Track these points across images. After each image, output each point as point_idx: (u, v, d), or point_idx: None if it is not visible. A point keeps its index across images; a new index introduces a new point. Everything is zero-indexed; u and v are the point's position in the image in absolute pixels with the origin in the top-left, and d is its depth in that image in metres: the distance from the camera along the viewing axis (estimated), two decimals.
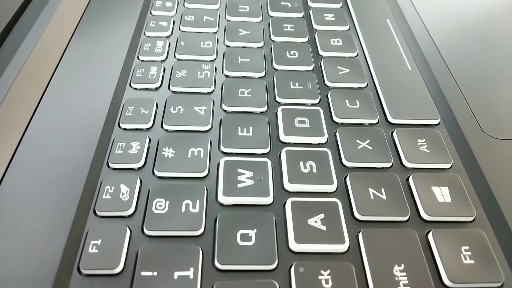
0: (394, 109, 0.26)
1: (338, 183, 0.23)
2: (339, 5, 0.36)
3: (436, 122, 0.26)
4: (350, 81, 0.28)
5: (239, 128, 0.25)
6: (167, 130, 0.25)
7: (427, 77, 0.29)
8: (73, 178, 0.22)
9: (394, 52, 0.31)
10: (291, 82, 0.28)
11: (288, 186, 0.22)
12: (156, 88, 0.28)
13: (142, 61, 0.30)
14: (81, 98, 0.26)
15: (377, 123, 0.26)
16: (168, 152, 0.24)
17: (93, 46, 0.30)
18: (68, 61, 0.29)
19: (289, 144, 0.25)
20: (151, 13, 0.35)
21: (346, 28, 0.33)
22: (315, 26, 0.33)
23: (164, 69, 0.29)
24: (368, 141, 0.25)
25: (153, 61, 0.30)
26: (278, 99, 0.27)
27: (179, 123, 0.25)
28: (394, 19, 0.34)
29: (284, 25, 0.33)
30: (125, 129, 0.25)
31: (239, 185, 0.22)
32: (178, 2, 0.35)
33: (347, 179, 0.23)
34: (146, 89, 0.28)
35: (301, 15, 0.34)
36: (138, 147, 0.24)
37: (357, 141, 0.25)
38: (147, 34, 0.32)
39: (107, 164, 0.23)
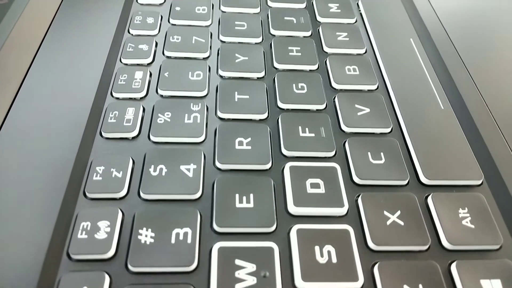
0: (427, 166, 0.21)
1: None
2: (353, 20, 0.30)
3: (478, 182, 0.21)
4: (371, 125, 0.23)
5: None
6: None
7: (464, 120, 0.24)
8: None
9: (422, 84, 0.25)
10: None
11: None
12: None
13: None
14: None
15: (407, 184, 0.21)
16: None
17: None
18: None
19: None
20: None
21: (362, 51, 0.28)
22: (326, 48, 0.28)
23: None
24: (399, 213, 0.20)
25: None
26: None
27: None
28: (418, 39, 0.29)
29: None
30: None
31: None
32: None
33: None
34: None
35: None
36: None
37: (386, 213, 0.20)
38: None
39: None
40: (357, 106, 0.24)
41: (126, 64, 0.25)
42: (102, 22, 0.27)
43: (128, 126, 0.22)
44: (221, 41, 0.28)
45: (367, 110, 0.24)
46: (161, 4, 0.30)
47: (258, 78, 0.25)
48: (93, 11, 0.28)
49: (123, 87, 0.24)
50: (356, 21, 0.30)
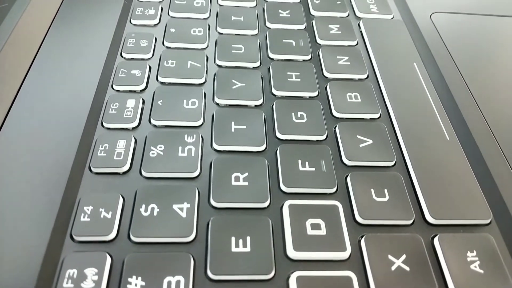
0: (433, 204, 0.20)
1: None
2: (354, 42, 0.29)
3: (487, 221, 0.20)
4: (374, 158, 0.22)
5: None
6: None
7: (471, 152, 0.23)
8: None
9: (427, 113, 0.24)
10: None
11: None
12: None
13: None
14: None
15: (412, 223, 0.20)
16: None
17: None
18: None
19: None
20: None
21: (364, 76, 0.27)
22: (326, 73, 0.27)
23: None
24: (404, 257, 0.19)
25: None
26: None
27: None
28: (422, 64, 0.28)
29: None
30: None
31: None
32: None
33: None
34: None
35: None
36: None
37: (390, 258, 0.18)
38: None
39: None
40: (359, 137, 0.23)
41: (118, 91, 0.24)
42: (93, 45, 0.26)
43: (118, 160, 0.21)
44: (217, 65, 0.27)
45: (370, 141, 0.23)
46: (155, 25, 0.29)
47: (256, 106, 0.24)
48: (85, 31, 0.27)
49: (114, 117, 0.23)
50: (357, 43, 0.29)
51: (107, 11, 0.29)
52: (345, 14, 0.31)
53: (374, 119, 0.24)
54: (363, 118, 0.24)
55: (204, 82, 0.25)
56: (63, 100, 0.23)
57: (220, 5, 0.31)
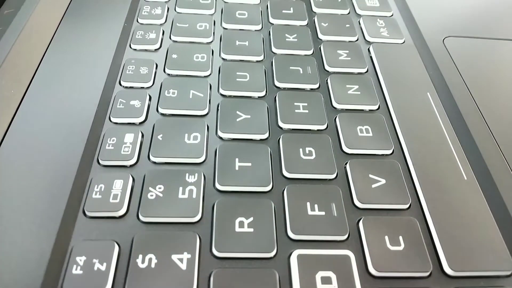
0: (452, 254, 0.19)
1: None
2: (364, 69, 0.28)
3: (508, 273, 0.19)
4: (388, 201, 0.21)
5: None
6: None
7: (490, 194, 0.21)
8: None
9: (442, 149, 0.23)
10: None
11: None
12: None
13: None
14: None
15: (429, 275, 0.19)
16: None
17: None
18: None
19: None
20: None
21: (375, 107, 0.25)
22: (335, 104, 0.25)
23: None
24: None
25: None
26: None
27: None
28: (436, 94, 0.26)
29: None
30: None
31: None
32: None
33: None
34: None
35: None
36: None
37: None
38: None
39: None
40: (371, 176, 0.22)
41: (116, 123, 0.23)
42: (90, 73, 0.25)
43: (115, 203, 0.19)
44: (221, 95, 0.25)
45: (383, 181, 0.21)
46: (156, 50, 0.28)
47: (261, 139, 0.23)
48: (81, 57, 0.26)
49: (111, 154, 0.21)
50: (367, 70, 0.28)
51: (106, 35, 0.28)
52: (354, 38, 0.30)
53: (387, 155, 0.23)
54: (375, 154, 0.23)
55: (207, 114, 0.24)
56: (59, 134, 0.22)
57: (224, 28, 0.30)
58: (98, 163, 0.21)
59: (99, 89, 0.24)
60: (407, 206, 0.21)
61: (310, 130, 0.24)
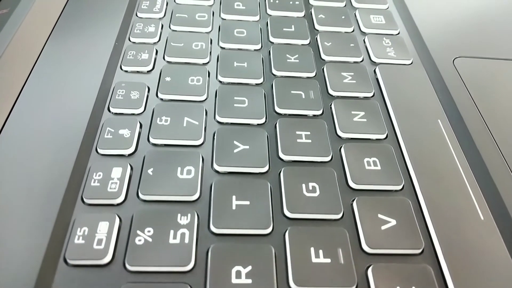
0: None
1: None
2: (370, 93, 0.26)
3: None
4: (399, 245, 0.19)
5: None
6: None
7: (509, 236, 0.20)
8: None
9: (456, 185, 0.21)
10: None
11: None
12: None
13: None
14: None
15: None
16: None
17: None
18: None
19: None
20: None
21: (382, 136, 0.24)
22: (340, 133, 0.24)
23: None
24: None
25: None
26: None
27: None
28: (447, 121, 0.24)
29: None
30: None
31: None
32: None
33: None
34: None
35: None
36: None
37: None
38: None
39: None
40: (380, 216, 0.20)
41: (103, 155, 0.21)
42: (78, 97, 0.23)
43: (99, 249, 0.18)
44: (217, 122, 0.23)
45: (393, 222, 0.20)
46: (149, 72, 0.26)
47: (261, 173, 0.21)
48: (67, 79, 0.24)
49: (96, 191, 0.20)
50: (373, 95, 0.26)
51: (95, 55, 0.26)
52: (359, 59, 0.28)
53: (397, 191, 0.21)
54: (384, 190, 0.21)
55: (202, 143, 0.22)
56: (37, 169, 0.20)
57: (221, 47, 0.28)
58: (83, 201, 0.19)
59: (86, 116, 0.22)
60: (420, 250, 0.19)
61: (313, 162, 0.22)
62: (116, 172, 0.20)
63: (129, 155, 0.21)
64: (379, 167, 0.22)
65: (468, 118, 0.25)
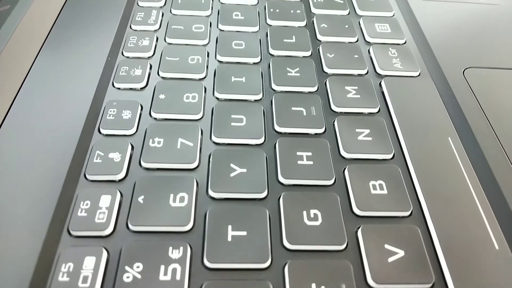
0: None
1: None
2: (375, 109, 0.25)
3: None
4: (408, 280, 0.17)
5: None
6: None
7: None
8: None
9: (468, 211, 0.20)
10: None
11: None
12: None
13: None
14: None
15: None
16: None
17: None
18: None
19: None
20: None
21: (389, 156, 0.22)
22: (344, 153, 0.22)
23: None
24: None
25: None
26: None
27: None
28: (458, 140, 0.23)
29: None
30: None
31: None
32: None
33: None
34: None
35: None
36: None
37: None
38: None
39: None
40: (387, 247, 0.18)
41: (92, 181, 0.20)
42: (66, 117, 0.22)
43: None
44: (214, 142, 0.22)
45: (401, 253, 0.18)
46: (142, 89, 0.25)
47: (259, 199, 0.20)
48: (60, 97, 0.23)
49: (83, 222, 0.18)
50: (379, 110, 0.25)
51: (86, 71, 0.25)
52: (364, 71, 0.27)
53: (404, 217, 0.20)
54: (391, 217, 0.20)
55: (197, 167, 0.21)
56: (20, 201, 0.19)
57: (219, 61, 0.27)
58: (69, 233, 0.18)
59: (75, 139, 0.21)
60: (430, 285, 0.17)
61: (315, 186, 0.21)
62: (105, 200, 0.19)
63: (120, 180, 0.20)
64: (385, 191, 0.20)
65: (480, 135, 0.23)
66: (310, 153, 0.22)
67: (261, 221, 0.19)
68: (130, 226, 0.18)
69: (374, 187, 0.21)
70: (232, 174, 0.21)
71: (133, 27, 0.29)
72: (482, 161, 0.22)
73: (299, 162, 0.21)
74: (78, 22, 0.28)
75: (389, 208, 0.20)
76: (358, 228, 0.19)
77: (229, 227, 0.19)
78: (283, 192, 0.20)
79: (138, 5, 0.30)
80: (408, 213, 0.20)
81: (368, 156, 0.22)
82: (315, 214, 0.19)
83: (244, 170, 0.21)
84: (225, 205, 0.20)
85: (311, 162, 0.21)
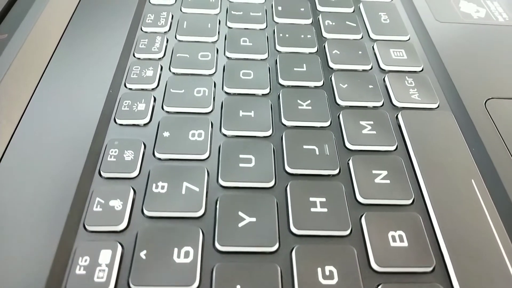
0: None
1: None
2: (392, 147, 0.23)
3: None
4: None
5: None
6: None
7: None
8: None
9: (495, 265, 0.18)
10: None
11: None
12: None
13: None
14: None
15: None
16: None
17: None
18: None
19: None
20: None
21: (408, 201, 0.21)
22: (360, 198, 0.21)
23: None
24: None
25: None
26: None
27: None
28: (482, 182, 0.21)
29: None
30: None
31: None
32: None
33: None
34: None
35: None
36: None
37: None
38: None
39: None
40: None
41: (91, 232, 0.19)
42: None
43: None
44: (220, 186, 0.21)
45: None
46: (145, 125, 0.23)
47: (269, 252, 0.19)
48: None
49: (82, 283, 0.17)
50: (396, 148, 0.23)
51: (87, 105, 0.23)
52: (380, 103, 0.25)
53: (426, 273, 0.18)
54: (412, 273, 0.18)
55: (203, 215, 0.20)
56: (20, 259, 0.18)
57: (226, 92, 0.25)
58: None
59: (74, 183, 0.20)
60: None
61: (331, 236, 0.19)
62: (105, 256, 0.18)
63: (121, 231, 0.19)
64: (405, 243, 0.19)
65: (505, 177, 0.21)
66: (324, 199, 0.20)
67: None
68: (132, 286, 0.17)
69: (394, 239, 0.19)
70: (240, 224, 0.19)
71: (137, 55, 0.27)
72: (508, 206, 0.20)
73: (313, 209, 0.20)
74: (78, 52, 0.27)
75: (410, 264, 0.18)
76: (378, 286, 0.18)
77: (238, 286, 0.17)
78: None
79: (141, 30, 0.29)
80: (430, 269, 0.18)
81: (387, 201, 0.21)
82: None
83: (254, 219, 0.19)
84: (230, 263, 0.18)
85: (325, 209, 0.20)
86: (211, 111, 0.24)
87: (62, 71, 0.25)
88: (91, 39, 0.28)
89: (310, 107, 0.25)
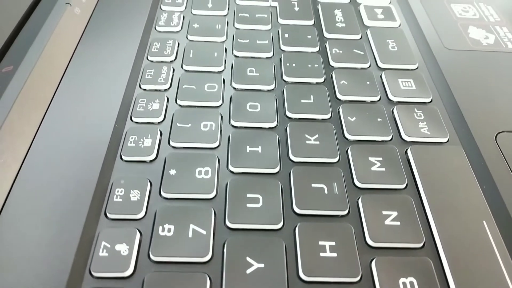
0: None
1: None
2: (402, 185, 0.23)
3: None
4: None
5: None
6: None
7: None
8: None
9: None
10: None
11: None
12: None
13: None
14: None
15: None
16: None
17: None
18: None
19: None
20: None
21: (419, 244, 0.20)
22: (370, 242, 0.20)
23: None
24: None
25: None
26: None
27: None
28: (494, 224, 0.21)
29: None
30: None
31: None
32: None
33: None
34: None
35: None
36: None
37: None
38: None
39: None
40: None
41: (98, 278, 0.19)
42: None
43: None
44: (228, 228, 0.21)
45: None
46: (152, 161, 0.23)
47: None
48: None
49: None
50: (406, 186, 0.23)
51: (92, 141, 0.23)
52: (388, 138, 0.25)
53: None
54: None
55: (210, 260, 0.19)
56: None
57: (233, 126, 0.25)
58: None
59: (80, 225, 0.20)
60: None
61: (341, 283, 0.19)
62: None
63: (128, 277, 0.19)
64: None
65: None
66: (333, 243, 0.20)
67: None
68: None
69: (405, 286, 0.19)
70: (248, 271, 0.19)
71: (143, 86, 0.27)
72: None
73: (322, 254, 0.20)
74: (83, 84, 0.26)
75: None
76: None
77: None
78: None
79: (148, 59, 0.29)
80: None
81: (397, 245, 0.20)
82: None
83: (262, 265, 0.19)
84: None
85: (334, 254, 0.20)
86: (218, 146, 0.24)
87: (67, 104, 0.25)
88: (97, 69, 0.27)
89: (318, 142, 0.24)
